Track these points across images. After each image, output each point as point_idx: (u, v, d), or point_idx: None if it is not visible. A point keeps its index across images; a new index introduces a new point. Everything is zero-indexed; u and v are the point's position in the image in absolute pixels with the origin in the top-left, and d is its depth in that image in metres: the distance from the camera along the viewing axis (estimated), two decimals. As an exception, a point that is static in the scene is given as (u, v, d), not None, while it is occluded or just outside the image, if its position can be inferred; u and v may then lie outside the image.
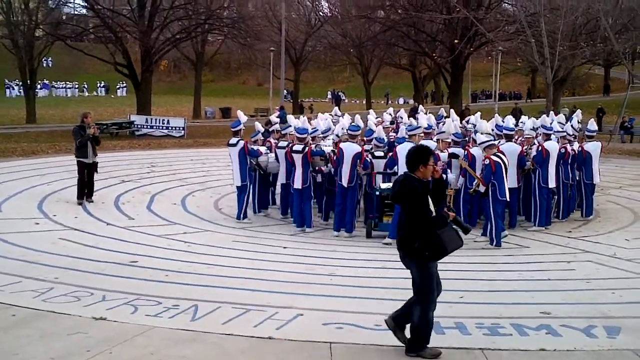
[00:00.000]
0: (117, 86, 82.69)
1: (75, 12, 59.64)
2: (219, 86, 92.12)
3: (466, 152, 14.42)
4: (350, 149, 13.93)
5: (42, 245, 11.80)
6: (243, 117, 15.64)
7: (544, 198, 14.72)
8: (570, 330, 7.77)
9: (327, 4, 67.38)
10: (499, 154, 13.26)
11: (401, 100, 73.81)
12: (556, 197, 15.60)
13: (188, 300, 8.68)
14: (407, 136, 14.18)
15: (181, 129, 34.80)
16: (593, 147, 16.03)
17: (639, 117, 38.90)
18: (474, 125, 15.96)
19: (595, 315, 8.41)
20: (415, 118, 18.14)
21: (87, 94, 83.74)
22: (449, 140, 14.47)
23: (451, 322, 8.03)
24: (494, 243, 12.97)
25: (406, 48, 47.29)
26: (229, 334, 7.45)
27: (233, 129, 15.36)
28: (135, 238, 12.99)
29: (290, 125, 15.98)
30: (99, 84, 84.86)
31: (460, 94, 44.11)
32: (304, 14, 66.20)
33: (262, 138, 16.59)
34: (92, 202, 16.09)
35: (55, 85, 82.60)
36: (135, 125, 34.98)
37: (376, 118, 18.66)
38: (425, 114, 18.13)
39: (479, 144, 13.55)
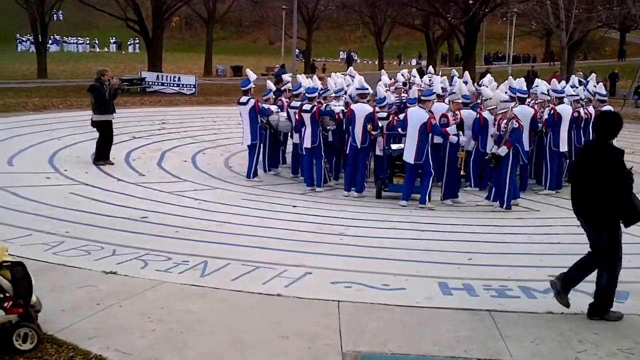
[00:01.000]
0: (129, 42, 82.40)
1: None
2: (231, 44, 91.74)
3: (478, 115, 14.28)
4: (361, 109, 13.85)
5: (53, 199, 11.85)
6: (252, 76, 15.55)
7: (555, 162, 14.65)
8: (578, 294, 7.75)
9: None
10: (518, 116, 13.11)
11: (414, 62, 73.26)
12: (568, 160, 15.50)
13: (198, 257, 8.72)
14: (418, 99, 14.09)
15: (192, 86, 34.69)
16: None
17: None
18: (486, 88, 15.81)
19: (604, 279, 8.39)
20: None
21: (98, 49, 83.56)
22: (460, 101, 14.31)
23: (459, 283, 8.05)
24: (504, 205, 12.90)
25: (420, 8, 46.78)
26: (238, 291, 7.49)
27: (243, 88, 15.29)
28: (146, 194, 13.02)
29: (301, 85, 15.88)
30: (110, 40, 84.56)
31: (474, 56, 43.69)
32: (318, -28, 65.45)
33: (274, 97, 16.50)
34: (113, 164, 15.73)
35: (67, 41, 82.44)
36: (146, 82, 34.88)
37: (390, 80, 18.54)
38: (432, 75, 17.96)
39: (508, 107, 13.23)
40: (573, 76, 18.78)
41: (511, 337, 6.47)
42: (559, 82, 17.11)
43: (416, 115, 13.03)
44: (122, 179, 14.41)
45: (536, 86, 16.93)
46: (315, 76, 17.44)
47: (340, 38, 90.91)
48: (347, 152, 14.20)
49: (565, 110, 14.69)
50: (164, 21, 39.75)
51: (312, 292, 7.52)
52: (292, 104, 15.52)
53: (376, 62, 65.71)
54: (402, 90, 17.75)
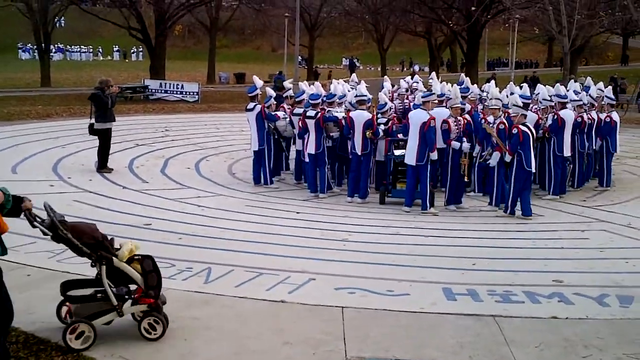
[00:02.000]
0: (132, 50, 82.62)
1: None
2: (233, 52, 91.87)
3: (482, 119, 14.32)
4: (360, 117, 13.89)
5: (57, 207, 11.60)
6: (259, 82, 15.62)
7: (558, 167, 14.63)
8: (582, 299, 7.77)
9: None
10: (527, 124, 13.05)
11: (416, 68, 73.26)
12: (571, 166, 15.50)
13: (201, 263, 8.73)
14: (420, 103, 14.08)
15: (195, 93, 34.72)
16: (616, 116, 15.98)
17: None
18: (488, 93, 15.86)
19: (608, 284, 8.40)
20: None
21: (101, 58, 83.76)
22: (460, 107, 14.31)
23: (463, 288, 8.04)
24: (508, 211, 12.87)
25: (422, 15, 46.83)
26: (241, 297, 7.50)
27: (250, 94, 15.39)
28: (149, 201, 13.04)
29: (304, 91, 15.91)
30: (114, 48, 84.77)
31: (477, 62, 43.71)
32: (320, -20, 65.57)
33: (275, 103, 16.50)
34: (112, 170, 15.79)
35: (70, 49, 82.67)
36: (150, 90, 34.94)
37: (393, 86, 18.56)
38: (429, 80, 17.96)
39: (512, 114, 13.23)
40: (572, 81, 18.73)
41: (516, 343, 6.46)
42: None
43: (417, 117, 13.04)
44: (125, 186, 14.42)
45: (537, 93, 16.89)
46: (317, 83, 17.45)
47: (342, 45, 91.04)
48: (351, 158, 14.22)
49: (569, 115, 14.68)
50: (166, 29, 39.83)
51: (316, 298, 7.52)
52: (295, 111, 15.55)
53: (379, 69, 65.73)
54: (405, 96, 17.76)
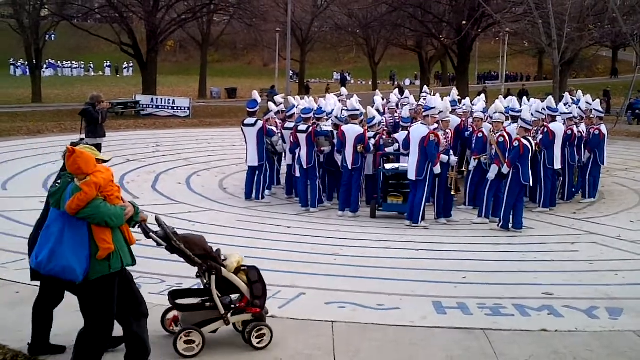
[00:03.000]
0: (124, 66, 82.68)
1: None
2: (225, 66, 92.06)
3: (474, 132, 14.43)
4: (352, 131, 13.91)
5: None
6: (259, 98, 15.66)
7: (549, 180, 14.68)
8: (572, 311, 7.79)
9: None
10: (529, 137, 13.05)
11: (407, 82, 73.53)
12: (561, 178, 15.56)
13: (192, 279, 8.67)
14: (419, 117, 14.15)
15: (186, 109, 34.77)
16: (604, 129, 16.07)
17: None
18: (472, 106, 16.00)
19: (598, 296, 8.43)
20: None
21: (93, 73, 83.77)
22: (449, 118, 14.35)
23: (453, 302, 8.05)
24: (501, 224, 12.87)
25: (413, 29, 46.98)
26: (231, 312, 7.47)
27: (250, 109, 15.32)
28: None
29: (295, 106, 15.96)
30: (105, 64, 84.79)
31: (467, 76, 43.90)
32: (311, -5, 65.87)
33: (274, 117, 16.56)
34: None
35: (61, 65, 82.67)
36: (141, 105, 34.99)
37: (383, 100, 18.61)
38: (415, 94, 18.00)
39: (521, 128, 13.25)
40: (567, 94, 18.86)
41: (505, 356, 6.47)
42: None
43: (417, 132, 13.04)
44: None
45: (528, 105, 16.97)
46: (309, 97, 17.50)
47: (334, 59, 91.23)
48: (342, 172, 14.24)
49: (558, 128, 14.75)
50: (158, 45, 39.88)
51: (306, 313, 7.52)
52: (286, 125, 15.57)
53: (370, 83, 65.92)
54: (395, 110, 17.83)
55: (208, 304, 6.48)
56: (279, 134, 15.79)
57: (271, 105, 16.72)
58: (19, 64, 75.30)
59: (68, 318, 7.13)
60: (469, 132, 15.36)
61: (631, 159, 22.20)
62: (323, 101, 16.66)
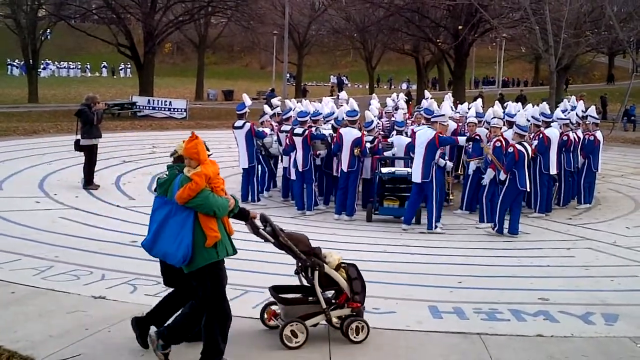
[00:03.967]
0: (121, 67, 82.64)
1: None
2: (222, 69, 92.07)
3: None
4: (349, 134, 13.92)
5: (42, 223, 11.81)
6: (248, 101, 15.64)
7: (545, 185, 14.70)
8: (568, 317, 7.79)
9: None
10: (524, 143, 13.03)
11: (404, 86, 73.60)
12: (557, 184, 15.58)
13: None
14: (423, 122, 14.19)
15: (183, 110, 34.77)
16: (600, 136, 16.10)
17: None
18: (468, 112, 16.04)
19: (594, 302, 8.43)
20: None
21: (89, 74, 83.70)
22: (447, 124, 14.36)
23: (449, 306, 8.05)
24: (496, 228, 12.85)
25: (410, 34, 47.02)
26: (227, 315, 7.45)
27: (238, 112, 15.35)
28: (136, 218, 12.97)
29: (291, 109, 15.97)
30: (102, 65, 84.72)
31: (464, 81, 43.98)
32: (308, -2, 65.95)
33: (269, 120, 16.57)
34: (99, 186, 15.77)
35: (58, 66, 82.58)
36: (137, 106, 34.97)
37: (378, 102, 18.63)
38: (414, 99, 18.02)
39: (515, 134, 13.25)
40: (565, 100, 18.89)
41: (501, 361, 6.47)
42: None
43: (424, 135, 13.03)
44: (112, 203, 14.37)
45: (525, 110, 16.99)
46: (306, 100, 17.51)
47: (331, 62, 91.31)
48: (339, 175, 14.24)
49: (553, 133, 14.78)
50: (155, 46, 39.85)
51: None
52: (282, 128, 15.58)
53: (367, 87, 65.96)
54: (392, 114, 17.85)
55: (311, 298, 6.80)
56: (273, 136, 15.79)
57: (266, 107, 16.73)
58: (15, 63, 75.27)
59: (61, 319, 7.14)
60: (465, 137, 15.36)
61: (626, 165, 22.26)
62: (319, 104, 16.68)
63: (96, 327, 6.90)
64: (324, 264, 6.78)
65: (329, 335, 6.95)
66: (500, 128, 13.96)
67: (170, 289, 6.59)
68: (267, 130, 15.79)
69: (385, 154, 14.85)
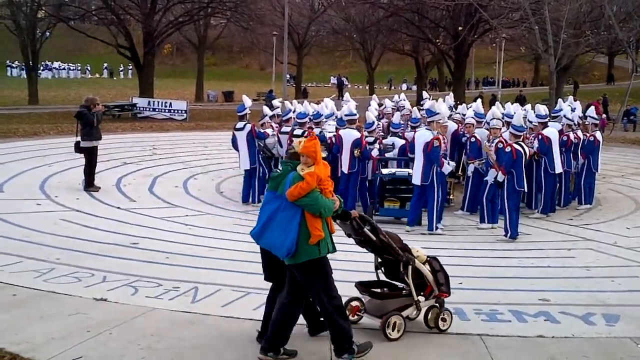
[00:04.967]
0: (121, 68, 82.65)
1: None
2: (222, 70, 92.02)
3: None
4: (349, 135, 13.92)
5: (43, 226, 11.82)
6: (248, 102, 15.64)
7: (549, 185, 14.65)
8: (568, 318, 7.79)
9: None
10: (521, 143, 12.98)
11: (404, 86, 73.60)
12: (558, 184, 15.57)
13: (188, 283, 8.70)
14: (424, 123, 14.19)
15: (183, 111, 34.77)
16: (599, 136, 16.12)
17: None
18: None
19: (594, 303, 8.43)
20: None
21: (89, 75, 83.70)
22: (447, 124, 14.36)
23: (450, 307, 8.02)
24: (509, 235, 12.50)
25: (409, 34, 47.03)
26: (228, 317, 7.48)
27: (239, 114, 15.35)
28: (137, 220, 13.00)
29: (291, 110, 15.97)
30: (102, 66, 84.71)
31: (464, 81, 43.97)
32: (308, -2, 65.98)
33: (269, 121, 16.55)
34: (99, 188, 15.73)
35: (57, 67, 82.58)
36: (138, 108, 34.99)
37: (379, 104, 18.63)
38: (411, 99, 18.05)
39: (510, 134, 13.22)
40: (560, 100, 18.88)
41: (502, 362, 6.47)
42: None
43: (422, 137, 13.04)
44: (112, 204, 14.37)
45: (524, 110, 16.99)
46: (306, 101, 17.52)
47: (330, 63, 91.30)
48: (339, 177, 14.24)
49: (552, 132, 14.75)
50: (155, 47, 39.87)
51: (301, 317, 7.48)
52: (282, 129, 15.58)
53: (367, 87, 65.97)
54: (391, 115, 17.85)
55: (404, 291, 7.13)
56: (275, 137, 15.79)
57: (265, 109, 16.72)
58: (14, 65, 75.31)
59: (63, 322, 7.15)
60: (465, 138, 15.37)
61: (627, 166, 22.25)
62: (317, 106, 16.69)
63: (98, 329, 6.91)
64: (415, 259, 7.09)
65: (329, 335, 6.95)
66: (500, 129, 13.97)
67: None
68: (269, 131, 15.78)
69: (388, 154, 14.85)
